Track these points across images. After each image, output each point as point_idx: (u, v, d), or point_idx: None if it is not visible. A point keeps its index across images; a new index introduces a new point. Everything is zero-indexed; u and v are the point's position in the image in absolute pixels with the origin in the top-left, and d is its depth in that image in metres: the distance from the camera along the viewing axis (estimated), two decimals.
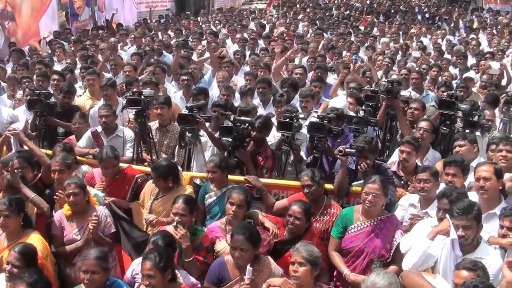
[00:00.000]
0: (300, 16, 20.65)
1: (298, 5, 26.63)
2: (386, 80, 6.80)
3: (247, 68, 10.16)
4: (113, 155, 5.68)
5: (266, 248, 4.87)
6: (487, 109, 7.31)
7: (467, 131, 6.21)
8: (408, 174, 5.67)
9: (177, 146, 6.57)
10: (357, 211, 4.93)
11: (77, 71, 9.71)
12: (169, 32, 15.69)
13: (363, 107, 6.72)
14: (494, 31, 16.97)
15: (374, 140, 5.62)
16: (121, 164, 5.91)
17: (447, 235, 4.28)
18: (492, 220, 4.65)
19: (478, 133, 6.41)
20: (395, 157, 6.10)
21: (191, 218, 4.83)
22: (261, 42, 13.56)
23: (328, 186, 5.53)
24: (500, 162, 5.23)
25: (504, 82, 9.93)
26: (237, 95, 8.22)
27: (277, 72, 9.00)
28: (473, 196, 4.83)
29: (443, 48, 13.79)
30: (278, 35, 14.53)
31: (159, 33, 15.38)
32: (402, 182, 5.71)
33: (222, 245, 4.89)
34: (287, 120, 5.97)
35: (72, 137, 6.87)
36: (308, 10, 23.60)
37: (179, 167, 5.82)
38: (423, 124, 6.25)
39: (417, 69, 9.93)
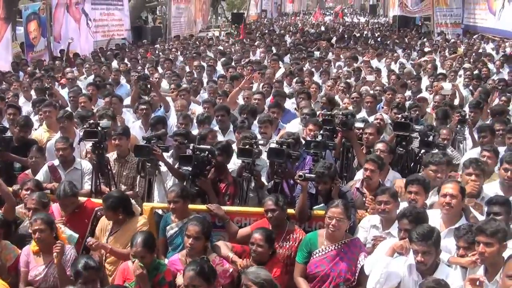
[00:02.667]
0: (256, 43, 20.88)
1: (254, 32, 26.97)
2: (340, 113, 6.93)
3: (205, 95, 10.18)
4: (71, 192, 5.57)
5: (229, 280, 4.83)
6: (444, 128, 7.50)
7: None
8: (372, 191, 5.75)
9: (139, 176, 6.49)
10: (321, 236, 4.95)
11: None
12: (126, 61, 15.61)
13: (321, 131, 6.81)
14: (447, 53, 17.56)
15: (333, 166, 5.70)
16: (80, 198, 5.79)
17: (405, 253, 4.36)
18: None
19: None
20: (359, 175, 6.25)
21: (151, 257, 4.74)
22: (219, 69, 13.64)
23: (290, 211, 5.52)
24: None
25: (456, 102, 10.24)
26: (195, 123, 8.18)
27: (232, 101, 9.02)
28: (434, 214, 4.96)
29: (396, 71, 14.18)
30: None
31: (115, 62, 15.28)
32: (364, 199, 5.81)
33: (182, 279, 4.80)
34: (247, 146, 5.99)
35: (29, 171, 6.69)
36: (265, 36, 23.99)
37: (133, 200, 5.74)
38: (379, 146, 6.42)
39: (371, 92, 10.14)
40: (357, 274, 4.77)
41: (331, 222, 4.76)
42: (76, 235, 5.27)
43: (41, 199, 5.42)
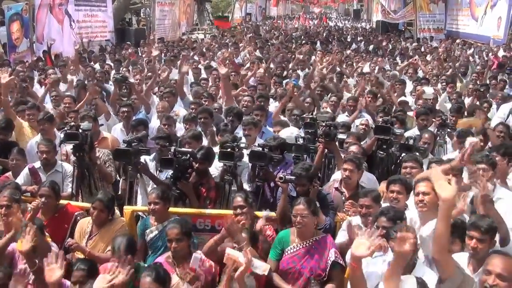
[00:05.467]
0: (240, 45, 20.86)
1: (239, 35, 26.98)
2: (323, 124, 6.87)
3: (190, 97, 10.16)
4: (49, 185, 5.58)
5: (211, 277, 4.82)
6: (425, 132, 7.52)
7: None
8: (350, 191, 5.85)
9: (121, 180, 6.46)
10: (292, 234, 5.05)
11: None
12: (109, 62, 15.52)
13: (303, 135, 6.83)
14: (428, 58, 17.72)
15: (313, 167, 5.71)
16: (61, 201, 5.75)
17: (384, 252, 4.39)
18: None
19: None
20: (338, 175, 6.29)
21: (132, 259, 4.57)
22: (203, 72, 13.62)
23: (272, 213, 5.54)
24: None
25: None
26: (178, 125, 8.18)
27: (228, 96, 9.04)
28: (412, 212, 5.02)
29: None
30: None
31: (98, 64, 15.20)
32: (344, 198, 5.86)
33: (174, 280, 4.70)
34: (229, 150, 6.00)
35: (9, 174, 6.65)
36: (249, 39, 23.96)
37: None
38: (352, 148, 6.52)
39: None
40: (327, 270, 4.83)
41: (296, 219, 4.86)
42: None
43: (12, 195, 5.37)
